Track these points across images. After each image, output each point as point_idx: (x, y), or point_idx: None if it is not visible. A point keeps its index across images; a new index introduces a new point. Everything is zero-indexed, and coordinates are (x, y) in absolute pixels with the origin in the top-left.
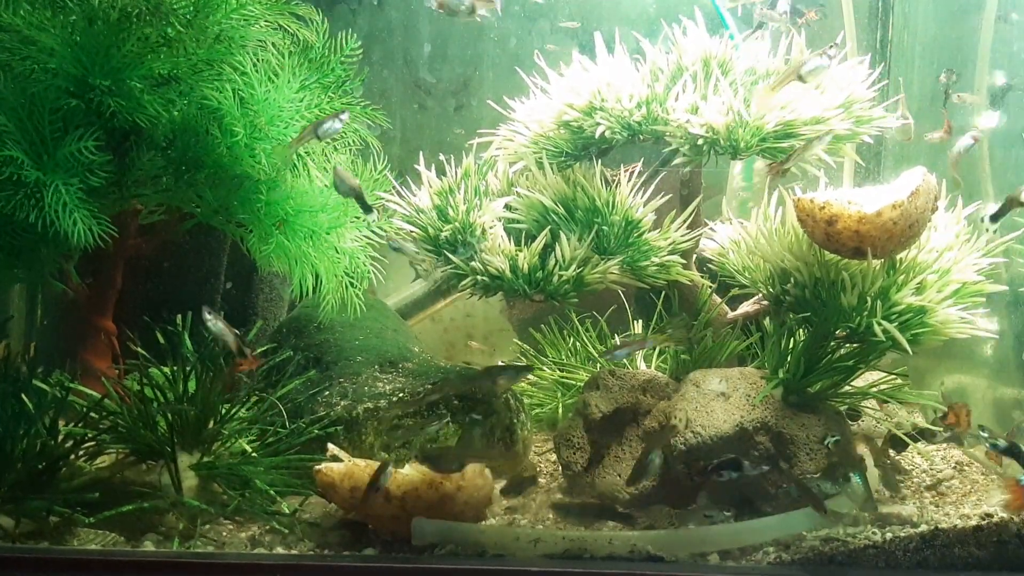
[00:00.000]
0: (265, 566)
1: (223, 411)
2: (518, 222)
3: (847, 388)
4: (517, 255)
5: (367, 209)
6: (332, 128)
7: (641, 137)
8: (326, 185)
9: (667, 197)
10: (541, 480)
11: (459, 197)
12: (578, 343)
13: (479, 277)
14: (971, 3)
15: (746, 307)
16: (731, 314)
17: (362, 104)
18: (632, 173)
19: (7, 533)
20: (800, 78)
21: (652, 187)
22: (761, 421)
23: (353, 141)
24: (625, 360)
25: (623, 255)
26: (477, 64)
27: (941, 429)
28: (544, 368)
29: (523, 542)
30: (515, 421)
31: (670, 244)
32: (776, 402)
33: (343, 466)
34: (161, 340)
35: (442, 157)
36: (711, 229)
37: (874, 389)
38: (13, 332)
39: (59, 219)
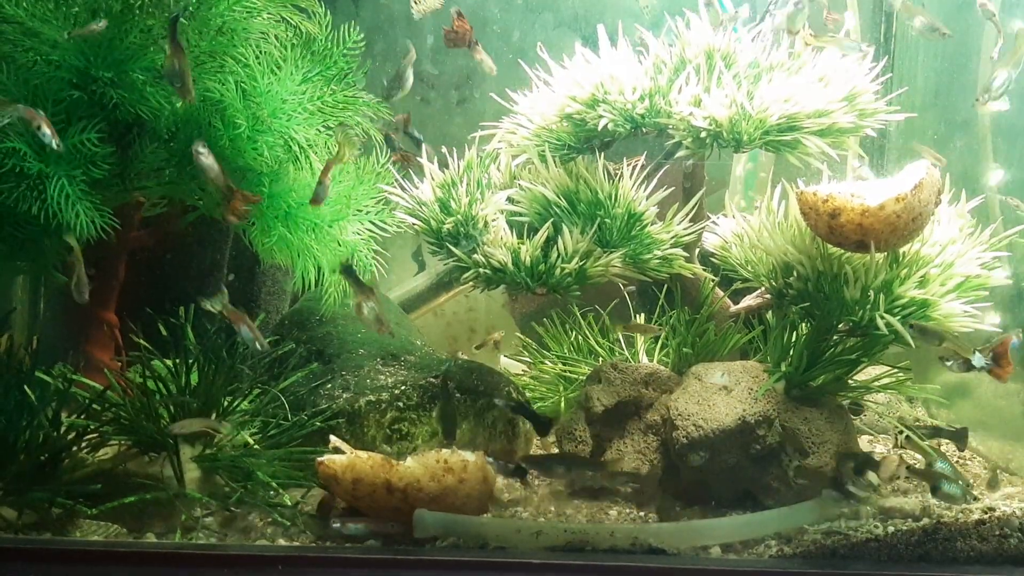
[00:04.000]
0: (267, 558)
1: (225, 403)
2: (521, 215)
3: (850, 382)
4: (519, 248)
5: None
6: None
7: (644, 130)
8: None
9: (670, 190)
10: None
11: (461, 190)
12: (580, 337)
13: (481, 270)
14: None
15: (749, 300)
16: (734, 307)
17: (364, 97)
18: (635, 166)
19: (10, 524)
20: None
21: (655, 180)
22: (763, 414)
23: (355, 134)
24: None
25: (625, 248)
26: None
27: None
28: (546, 362)
29: (525, 534)
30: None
31: (673, 237)
32: (778, 396)
33: (345, 458)
34: (163, 332)
35: (444, 150)
36: (714, 222)
37: (877, 383)
38: (16, 324)
39: (62, 211)
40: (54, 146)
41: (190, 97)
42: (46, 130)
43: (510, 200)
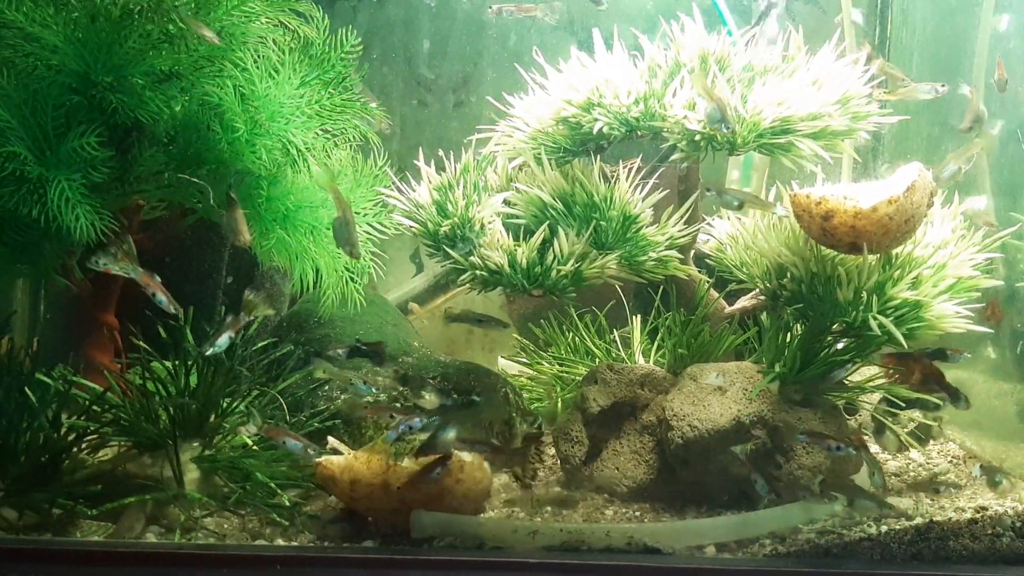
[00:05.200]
0: (265, 558)
1: (224, 405)
2: (517, 217)
3: (843, 382)
4: (516, 250)
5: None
6: None
7: (639, 133)
8: None
9: (665, 192)
10: (540, 473)
11: (458, 193)
12: (577, 338)
13: (478, 272)
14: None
15: (743, 302)
16: (728, 309)
17: (362, 100)
18: (630, 169)
19: (11, 525)
20: None
21: (650, 183)
22: (758, 415)
23: (353, 137)
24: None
25: (621, 250)
26: (477, 61)
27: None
28: (543, 363)
29: (521, 534)
30: (514, 415)
31: (668, 239)
32: (773, 396)
33: (343, 459)
34: (163, 334)
35: (441, 153)
36: (709, 224)
37: (871, 383)
38: (17, 327)
39: (62, 215)
40: (170, 311)
41: (248, 242)
42: (161, 297)
43: (506, 203)
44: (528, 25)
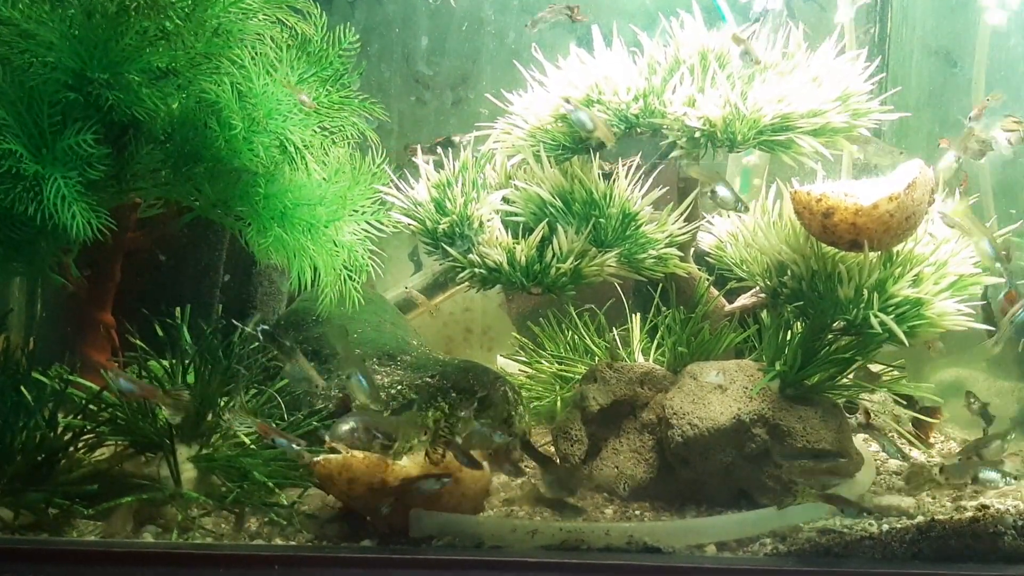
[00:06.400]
0: (263, 557)
1: (222, 404)
2: (516, 215)
3: (844, 380)
4: (515, 248)
5: None
6: None
7: (639, 130)
8: (324, 178)
9: (665, 190)
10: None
11: (457, 190)
12: (576, 336)
13: (477, 270)
14: None
15: (744, 300)
16: (728, 306)
17: (360, 98)
18: (630, 166)
19: (6, 525)
20: None
21: (650, 180)
22: (758, 413)
23: (351, 135)
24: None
25: (620, 248)
26: (475, 58)
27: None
28: (542, 361)
29: (520, 533)
30: (513, 414)
31: (667, 237)
32: (773, 394)
33: (340, 458)
34: (160, 333)
35: (439, 150)
36: (709, 222)
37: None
38: (12, 325)
39: (58, 212)
40: (291, 450)
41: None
42: (282, 441)
43: (505, 200)
44: (527, 22)
